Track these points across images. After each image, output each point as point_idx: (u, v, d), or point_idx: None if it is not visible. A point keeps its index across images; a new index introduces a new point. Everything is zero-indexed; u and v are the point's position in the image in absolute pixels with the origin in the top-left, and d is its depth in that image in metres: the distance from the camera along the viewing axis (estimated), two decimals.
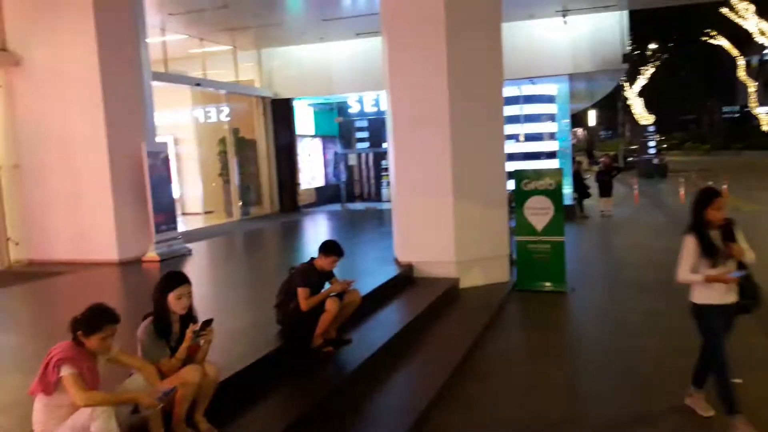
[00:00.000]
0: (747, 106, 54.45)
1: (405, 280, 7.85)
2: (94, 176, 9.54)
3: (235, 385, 4.17)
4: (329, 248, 5.17)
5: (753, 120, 54.31)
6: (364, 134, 20.69)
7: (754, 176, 26.75)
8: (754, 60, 56.12)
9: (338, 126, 20.90)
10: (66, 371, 2.98)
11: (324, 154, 20.89)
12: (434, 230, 8.19)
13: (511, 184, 8.70)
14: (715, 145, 51.63)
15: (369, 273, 7.68)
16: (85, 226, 9.68)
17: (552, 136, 16.83)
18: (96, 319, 3.13)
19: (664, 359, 5.71)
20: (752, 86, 51.43)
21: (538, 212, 8.31)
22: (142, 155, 9.58)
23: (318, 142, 20.59)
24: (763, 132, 48.37)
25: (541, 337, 6.66)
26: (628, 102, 49.64)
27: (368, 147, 20.56)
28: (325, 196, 20.35)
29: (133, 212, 9.73)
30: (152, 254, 9.55)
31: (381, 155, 19.05)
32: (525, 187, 8.36)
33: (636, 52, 42.13)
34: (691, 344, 5.99)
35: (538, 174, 8.48)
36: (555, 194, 8.27)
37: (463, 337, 6.22)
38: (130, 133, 9.78)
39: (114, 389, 3.27)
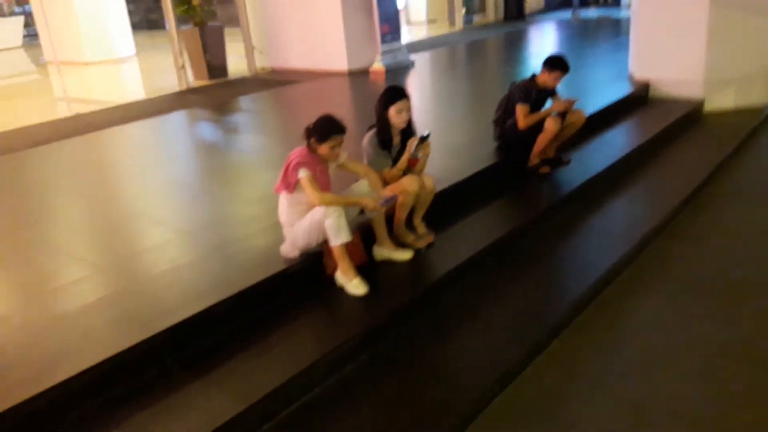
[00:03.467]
0: None
1: (639, 100, 7.13)
2: None
3: (451, 196, 4.36)
4: (553, 63, 4.80)
5: None
6: None
7: None
8: None
9: None
10: (303, 173, 3.32)
11: None
12: (681, 42, 7.10)
13: None
14: None
15: (597, 91, 7.11)
16: (317, 36, 10.21)
17: None
18: (325, 129, 3.37)
19: None
20: None
21: None
22: None
23: None
24: None
25: None
26: None
27: None
28: (554, 1, 18.62)
29: (360, 23, 9.95)
30: (378, 65, 9.87)
31: None
32: None
33: None
34: None
35: None
36: None
37: (699, 165, 5.60)
38: None
39: (343, 192, 3.61)
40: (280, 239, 3.56)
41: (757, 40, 7.02)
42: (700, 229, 4.63)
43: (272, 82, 9.99)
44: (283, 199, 3.50)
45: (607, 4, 17.84)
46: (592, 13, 16.94)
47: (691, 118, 6.82)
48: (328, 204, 3.29)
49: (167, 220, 4.45)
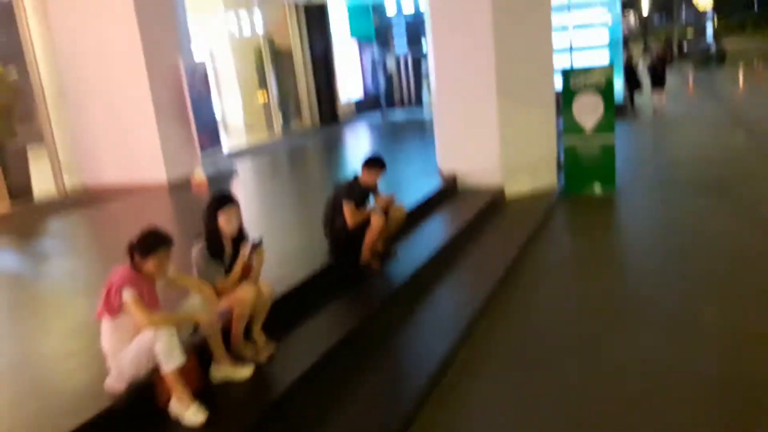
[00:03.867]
0: None
1: (449, 191, 7.79)
2: (135, 97, 9.53)
3: (288, 301, 4.31)
4: (372, 162, 5.13)
5: None
6: (403, 37, 19.93)
7: None
8: None
9: (375, 30, 20.18)
10: (127, 294, 3.09)
11: (362, 60, 20.35)
12: (478, 137, 8.01)
13: (558, 83, 8.34)
14: None
15: (413, 185, 7.64)
16: (132, 149, 9.80)
17: (602, 25, 15.87)
18: (151, 243, 3.21)
19: (719, 261, 5.59)
20: None
21: (588, 111, 8.00)
22: (180, 72, 9.52)
23: (355, 49, 20.03)
24: None
25: (590, 243, 6.59)
26: None
27: (408, 51, 19.87)
28: (364, 104, 20.03)
29: (177, 132, 9.76)
30: (200, 175, 9.68)
31: (422, 60, 18.41)
32: (574, 86, 8.01)
33: None
34: (744, 244, 5.87)
35: (587, 71, 8.09)
36: (605, 91, 7.91)
37: (509, 246, 6.21)
38: (167, 50, 9.65)
39: (173, 310, 3.41)
40: (105, 372, 3.24)
41: (541, 130, 8.12)
42: (517, 306, 5.06)
43: (85, 200, 9.34)
44: (106, 325, 3.21)
45: (411, 105, 19.57)
46: (399, 114, 18.45)
47: (496, 204, 7.58)
48: (157, 325, 3.09)
49: None
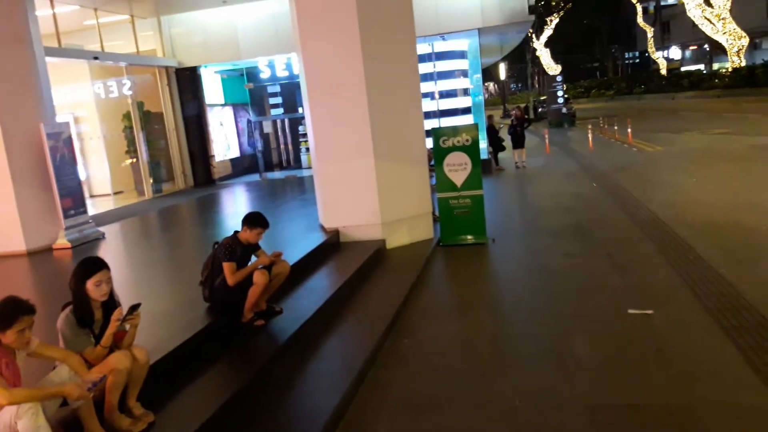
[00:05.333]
0: (647, 52, 57.22)
1: (332, 246, 7.87)
2: None
3: (167, 366, 4.09)
4: (253, 220, 5.07)
5: (652, 64, 57.16)
6: (278, 100, 20.21)
7: (654, 119, 28.34)
8: (651, 6, 58.79)
9: (249, 92, 20.31)
10: None
11: (237, 123, 20.30)
12: (357, 193, 8.22)
13: (429, 142, 8.82)
14: (619, 90, 54.05)
15: (295, 241, 7.65)
16: None
17: (465, 92, 17.10)
18: (10, 312, 2.97)
19: (586, 297, 6.05)
20: (650, 31, 53.95)
21: (457, 168, 8.49)
22: (41, 137, 8.98)
23: (229, 111, 19.97)
24: (662, 75, 51.01)
25: (467, 288, 6.89)
26: (537, 53, 50.95)
27: (283, 113, 20.13)
28: (241, 166, 19.87)
29: (37, 198, 9.11)
30: (63, 241, 9.05)
31: (297, 121, 18.72)
32: (443, 144, 8.49)
33: (541, 3, 42.97)
34: (605, 281, 6.42)
35: (455, 130, 8.63)
36: (472, 149, 8.45)
37: (392, 295, 6.34)
38: (25, 114, 9.09)
39: (38, 384, 3.12)
40: None
41: (416, 186, 8.49)
42: (405, 352, 5.14)
43: None
44: None
45: (291, 167, 19.69)
46: (278, 174, 18.49)
47: (378, 256, 7.75)
48: (20, 402, 2.82)
49: None
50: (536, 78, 55.89)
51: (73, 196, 9.43)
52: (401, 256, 7.99)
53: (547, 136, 21.11)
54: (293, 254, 6.63)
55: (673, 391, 4.04)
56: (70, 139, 9.59)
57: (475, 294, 6.62)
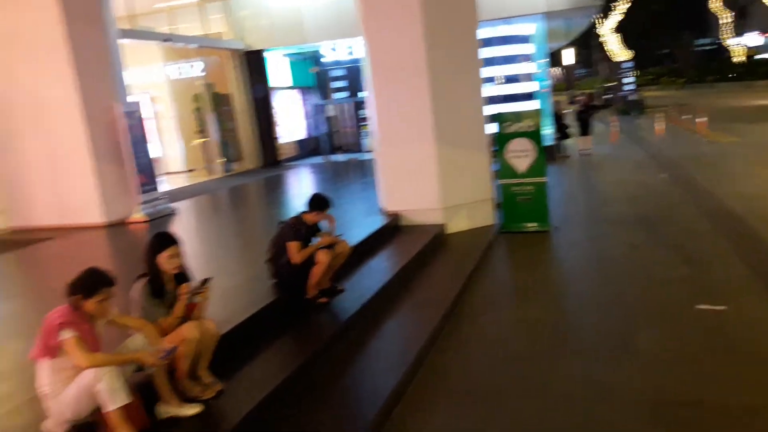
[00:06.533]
0: (719, 38, 54.44)
1: (392, 229, 7.92)
2: (71, 139, 9.38)
3: (235, 339, 4.26)
4: (318, 202, 5.20)
5: (724, 52, 54.35)
6: (342, 83, 20.36)
7: (728, 108, 26.97)
8: None
9: (314, 76, 20.53)
10: (67, 334, 3.01)
11: (303, 105, 20.59)
12: (418, 178, 8.22)
13: (492, 128, 8.71)
14: (690, 78, 51.70)
15: (356, 224, 7.73)
16: (67, 190, 9.58)
17: (530, 77, 16.73)
18: (92, 283, 3.15)
19: (651, 290, 5.88)
20: (727, 16, 51.27)
21: (520, 154, 8.36)
22: (116, 115, 9.44)
23: (296, 94, 20.27)
24: (735, 64, 48.48)
25: (528, 276, 6.81)
26: (603, 39, 49.28)
27: (347, 96, 20.28)
28: (306, 148, 20.17)
29: (114, 174, 9.64)
30: (138, 215, 9.53)
31: (360, 104, 18.83)
32: (506, 130, 8.38)
33: None
34: (671, 274, 6.22)
35: (518, 116, 8.49)
36: (535, 135, 8.30)
37: (452, 280, 6.34)
38: (102, 94, 9.58)
39: (115, 350, 3.31)
40: (41, 416, 3.10)
41: (478, 172, 8.42)
42: (464, 338, 5.15)
43: (16, 242, 8.93)
44: (43, 367, 3.09)
45: (352, 150, 19.84)
46: (341, 157, 18.67)
47: (438, 241, 7.75)
48: (99, 365, 3.00)
49: None
50: (603, 63, 54.03)
51: (147, 173, 9.89)
52: (461, 241, 7.96)
53: (614, 123, 20.45)
54: (354, 236, 6.71)
55: (741, 390, 3.90)
56: (142, 118, 10.02)
57: (537, 282, 6.54)
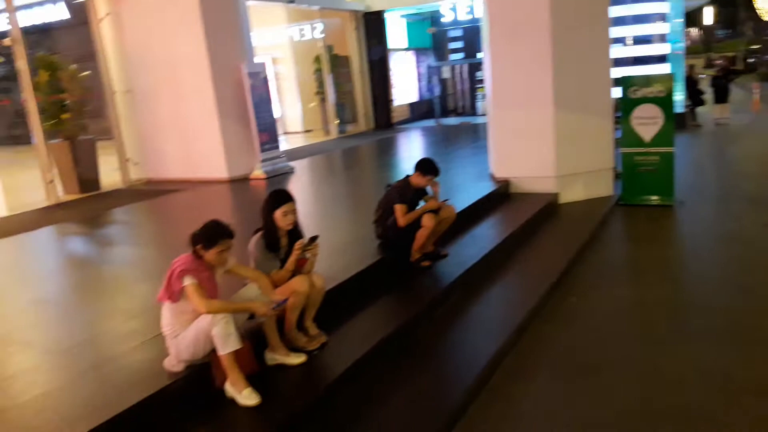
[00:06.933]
0: None
1: (501, 196, 7.76)
2: (200, 98, 9.96)
3: (340, 294, 4.40)
4: (426, 167, 5.17)
5: None
6: (459, 44, 19.95)
7: None
8: None
9: (431, 37, 20.25)
10: (188, 281, 3.23)
11: (417, 67, 20.45)
12: (533, 144, 7.95)
13: (617, 92, 8.20)
14: None
15: (464, 189, 7.65)
16: (195, 146, 10.26)
17: (663, 38, 15.50)
18: (213, 234, 3.34)
19: None
20: None
21: (647, 121, 7.83)
22: (242, 76, 9.88)
23: (411, 56, 20.15)
24: None
25: (646, 252, 6.44)
26: None
27: (463, 58, 19.86)
28: (419, 111, 20.10)
29: (238, 132, 10.17)
30: (258, 172, 10.03)
31: (476, 66, 18.40)
32: (632, 95, 7.86)
33: None
34: None
35: (647, 80, 7.91)
36: (665, 102, 7.73)
37: (562, 251, 6.14)
38: (230, 54, 10.05)
39: (231, 298, 3.54)
40: (164, 353, 3.39)
41: (598, 139, 8.00)
42: (571, 311, 5.00)
43: (149, 192, 9.75)
44: (167, 309, 3.36)
45: (465, 113, 19.54)
46: (454, 120, 18.46)
47: (549, 210, 7.50)
48: (215, 312, 3.21)
49: (35, 341, 4.09)
50: (748, 24, 48.81)
51: (269, 132, 10.35)
52: (575, 212, 7.65)
53: (756, 90, 18.56)
54: (462, 201, 6.66)
55: None
56: (266, 79, 10.43)
57: (655, 259, 6.17)
